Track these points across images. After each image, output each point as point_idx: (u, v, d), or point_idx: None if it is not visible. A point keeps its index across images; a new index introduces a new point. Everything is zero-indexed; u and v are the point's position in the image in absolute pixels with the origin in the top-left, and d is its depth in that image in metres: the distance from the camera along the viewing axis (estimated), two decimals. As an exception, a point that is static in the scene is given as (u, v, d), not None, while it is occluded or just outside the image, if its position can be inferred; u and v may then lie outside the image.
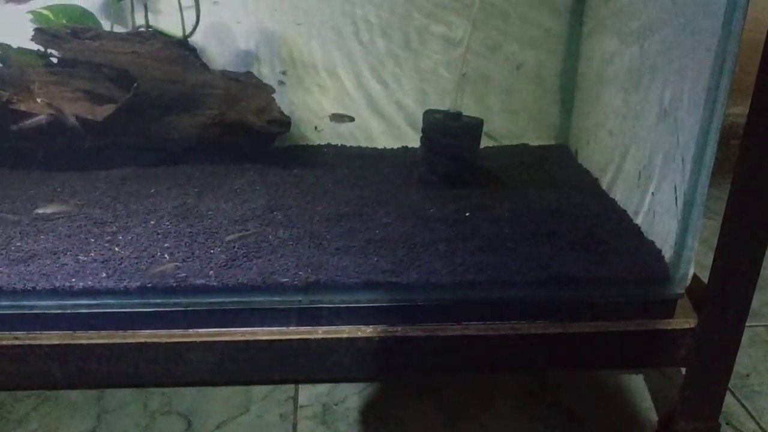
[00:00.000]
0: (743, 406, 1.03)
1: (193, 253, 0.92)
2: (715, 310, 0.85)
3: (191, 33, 1.22)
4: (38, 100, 1.07)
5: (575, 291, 0.90)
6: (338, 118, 1.22)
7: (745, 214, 0.79)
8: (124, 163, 1.20)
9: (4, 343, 0.83)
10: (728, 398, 1.04)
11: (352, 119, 1.24)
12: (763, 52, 0.71)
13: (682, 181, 0.86)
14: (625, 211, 1.07)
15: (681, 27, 0.89)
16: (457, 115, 1.18)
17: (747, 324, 1.21)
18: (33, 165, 1.19)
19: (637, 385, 1.07)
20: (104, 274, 0.87)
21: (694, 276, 0.90)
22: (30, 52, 1.16)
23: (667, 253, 0.91)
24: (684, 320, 0.88)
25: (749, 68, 0.73)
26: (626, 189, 1.08)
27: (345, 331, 0.85)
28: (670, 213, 0.90)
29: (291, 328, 0.86)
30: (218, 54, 1.29)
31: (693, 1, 0.85)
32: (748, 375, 1.10)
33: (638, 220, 1.02)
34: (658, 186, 0.95)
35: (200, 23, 1.22)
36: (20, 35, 1.15)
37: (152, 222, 1.00)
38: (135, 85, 1.13)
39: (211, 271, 0.88)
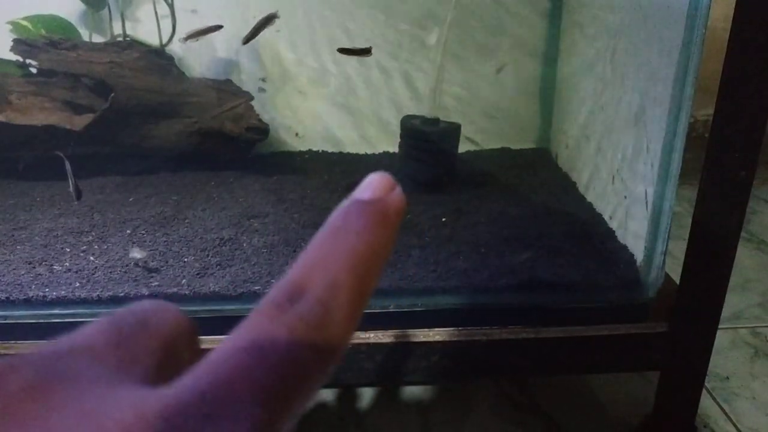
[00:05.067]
0: (722, 408, 1.03)
1: (167, 262, 0.92)
2: (686, 314, 0.85)
3: (168, 42, 1.22)
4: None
5: (548, 296, 0.90)
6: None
7: (713, 215, 0.79)
8: (103, 172, 1.20)
9: (-22, 353, 0.84)
10: (707, 401, 1.04)
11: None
12: (726, 53, 0.72)
13: (651, 185, 0.86)
14: (601, 214, 1.07)
15: (648, 32, 0.89)
16: (435, 121, 1.19)
17: (729, 326, 1.22)
18: (12, 176, 1.19)
19: (616, 388, 1.07)
20: (78, 284, 0.87)
21: (667, 279, 0.91)
22: (9, 62, 1.17)
23: (640, 257, 0.91)
24: (656, 324, 0.88)
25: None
26: (601, 192, 1.09)
27: (317, 338, 0.86)
28: (642, 217, 0.90)
29: (263, 335, 0.86)
30: (198, 62, 1.29)
31: (658, 7, 0.85)
32: (728, 377, 1.10)
33: (612, 224, 1.02)
34: (631, 190, 0.95)
35: (179, 32, 1.23)
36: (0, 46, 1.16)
37: (128, 231, 1.01)
38: (112, 94, 1.14)
39: (184, 280, 0.88)
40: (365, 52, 1.12)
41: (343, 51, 1.13)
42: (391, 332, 0.86)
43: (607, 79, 1.08)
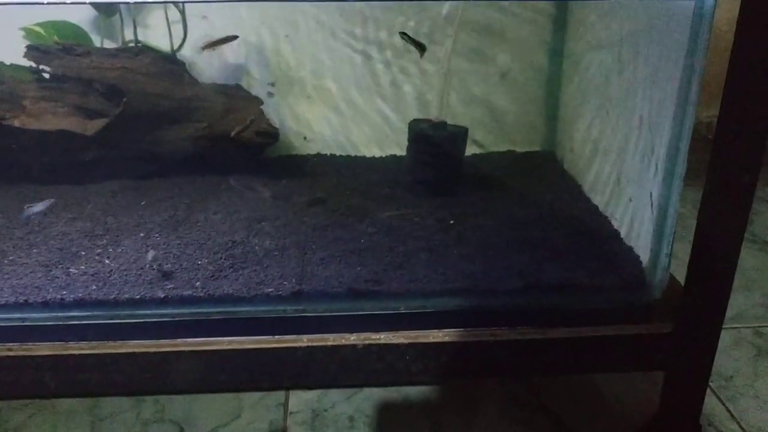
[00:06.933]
0: (726, 407, 1.05)
1: (181, 265, 0.94)
2: (690, 314, 0.86)
3: (179, 47, 1.24)
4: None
5: (555, 297, 0.92)
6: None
7: (717, 218, 0.80)
8: (116, 176, 1.22)
9: (-2, 354, 0.86)
10: (712, 400, 1.05)
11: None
12: (731, 58, 0.73)
13: (656, 187, 0.88)
14: (606, 216, 1.09)
15: (653, 36, 0.91)
16: (442, 125, 1.20)
17: (732, 326, 1.24)
18: (27, 179, 1.20)
19: (622, 388, 1.08)
20: (94, 287, 0.89)
21: (672, 280, 0.92)
22: (23, 68, 1.19)
23: (645, 259, 0.92)
24: (661, 324, 0.89)
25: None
26: (607, 195, 1.10)
27: (330, 339, 0.87)
28: (647, 219, 0.91)
29: (277, 336, 0.88)
30: (208, 67, 1.31)
31: (663, 13, 0.87)
32: (731, 377, 1.11)
33: (618, 226, 1.04)
34: (636, 192, 0.97)
35: (190, 37, 1.24)
36: (14, 52, 1.18)
37: (142, 234, 1.02)
38: (124, 99, 1.15)
39: (198, 283, 0.90)
40: (420, 47, 1.13)
41: (405, 36, 1.14)
42: (401, 333, 0.88)
43: (612, 83, 1.09)
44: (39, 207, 1.06)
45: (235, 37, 1.10)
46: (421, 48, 1.12)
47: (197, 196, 1.16)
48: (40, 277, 0.91)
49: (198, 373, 0.88)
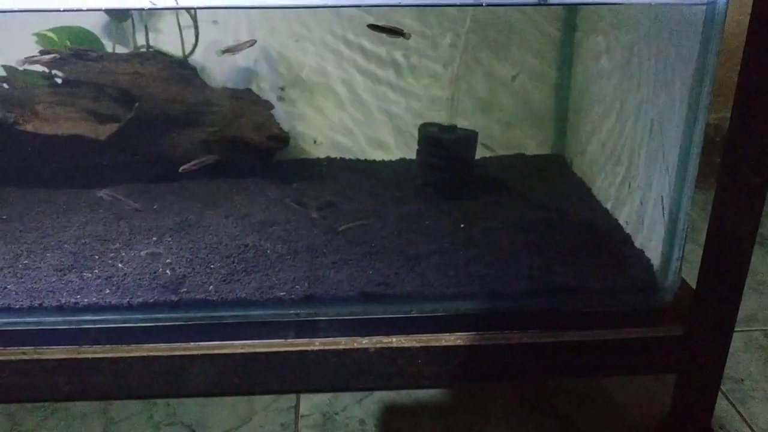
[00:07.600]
0: (737, 411, 1.05)
1: (193, 269, 0.94)
2: (702, 317, 0.86)
3: (191, 53, 1.25)
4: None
5: (566, 300, 0.92)
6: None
7: (728, 222, 0.80)
8: (127, 180, 1.23)
9: (13, 357, 0.86)
10: (723, 403, 1.05)
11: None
12: (742, 62, 0.73)
13: (667, 191, 0.88)
14: (617, 220, 1.09)
15: (664, 41, 0.91)
16: (452, 128, 1.21)
17: (743, 329, 1.23)
18: (39, 183, 1.21)
19: (633, 391, 1.08)
20: (108, 291, 0.90)
21: (683, 283, 0.92)
22: (35, 73, 1.20)
23: (656, 262, 0.93)
24: (672, 327, 0.89)
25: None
26: (617, 198, 1.10)
27: (341, 343, 0.88)
28: (658, 222, 0.91)
29: (289, 340, 0.88)
30: (218, 72, 1.32)
31: (673, 17, 0.87)
32: (742, 380, 1.11)
33: (628, 229, 1.04)
34: (647, 196, 0.97)
35: (201, 42, 1.25)
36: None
37: (154, 238, 1.03)
38: (136, 104, 1.16)
39: (211, 286, 0.90)
40: (398, 32, 1.08)
41: (376, 27, 1.11)
42: (413, 337, 0.88)
43: (622, 87, 1.10)
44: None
45: (254, 42, 1.11)
46: (397, 33, 1.09)
47: (209, 200, 1.17)
48: (54, 281, 0.92)
49: (210, 377, 0.88)
